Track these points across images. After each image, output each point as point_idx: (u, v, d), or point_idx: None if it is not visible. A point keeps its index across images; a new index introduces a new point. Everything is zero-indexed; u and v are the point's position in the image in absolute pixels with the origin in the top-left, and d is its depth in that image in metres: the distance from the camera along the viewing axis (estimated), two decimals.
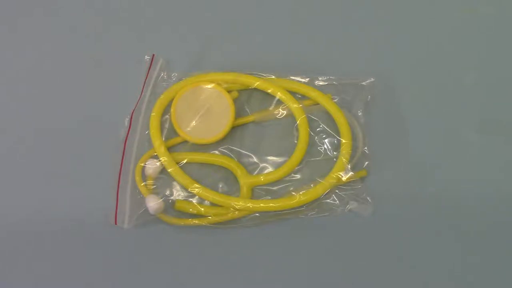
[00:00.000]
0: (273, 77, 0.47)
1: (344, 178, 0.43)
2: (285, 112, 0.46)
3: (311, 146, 0.45)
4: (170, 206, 0.44)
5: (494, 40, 0.51)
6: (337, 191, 0.44)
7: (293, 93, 0.46)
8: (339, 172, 0.43)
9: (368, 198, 0.44)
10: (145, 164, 0.44)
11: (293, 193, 0.43)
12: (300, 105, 0.45)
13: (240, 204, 0.42)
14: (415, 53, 0.50)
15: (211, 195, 0.43)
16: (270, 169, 0.45)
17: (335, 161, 0.44)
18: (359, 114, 0.46)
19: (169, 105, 0.46)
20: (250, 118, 0.46)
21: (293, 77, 0.47)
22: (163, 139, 0.45)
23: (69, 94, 0.48)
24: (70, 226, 0.43)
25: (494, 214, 0.44)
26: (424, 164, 0.46)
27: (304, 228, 0.44)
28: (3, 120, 0.47)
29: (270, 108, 0.47)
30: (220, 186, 0.45)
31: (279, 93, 0.46)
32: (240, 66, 0.47)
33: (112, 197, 0.43)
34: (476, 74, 0.49)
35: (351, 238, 0.44)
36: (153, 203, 0.42)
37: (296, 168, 0.45)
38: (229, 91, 0.46)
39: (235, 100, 0.46)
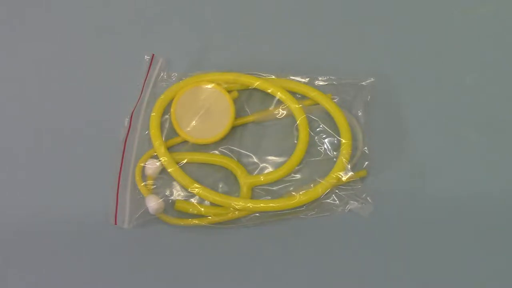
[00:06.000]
0: (273, 77, 0.47)
1: (344, 178, 0.43)
2: (285, 112, 0.46)
3: (311, 146, 0.45)
4: (170, 206, 0.44)
5: (494, 40, 0.51)
6: (337, 191, 0.44)
7: (293, 93, 0.46)
8: (339, 172, 0.43)
9: (368, 198, 0.44)
10: (145, 164, 0.44)
11: (293, 193, 0.43)
12: (300, 105, 0.45)
13: (240, 204, 0.42)
14: (415, 53, 0.50)
15: (211, 195, 0.43)
16: (270, 169, 0.45)
17: (335, 161, 0.44)
18: (359, 114, 0.46)
19: (169, 105, 0.46)
20: (250, 118, 0.46)
21: (293, 77, 0.47)
22: (163, 139, 0.45)
23: (69, 94, 0.48)
24: (70, 226, 0.43)
25: (494, 214, 0.44)
26: (424, 164, 0.46)
27: (304, 228, 0.43)
28: (3, 120, 0.47)
29: (270, 108, 0.47)
30: (220, 186, 0.45)
31: (279, 93, 0.46)
32: (240, 66, 0.47)
33: (112, 197, 0.43)
34: (476, 74, 0.49)
35: (351, 238, 0.44)
36: (153, 203, 0.42)
37: (296, 168, 0.45)
38: (229, 91, 0.46)
39: (235, 100, 0.46)
